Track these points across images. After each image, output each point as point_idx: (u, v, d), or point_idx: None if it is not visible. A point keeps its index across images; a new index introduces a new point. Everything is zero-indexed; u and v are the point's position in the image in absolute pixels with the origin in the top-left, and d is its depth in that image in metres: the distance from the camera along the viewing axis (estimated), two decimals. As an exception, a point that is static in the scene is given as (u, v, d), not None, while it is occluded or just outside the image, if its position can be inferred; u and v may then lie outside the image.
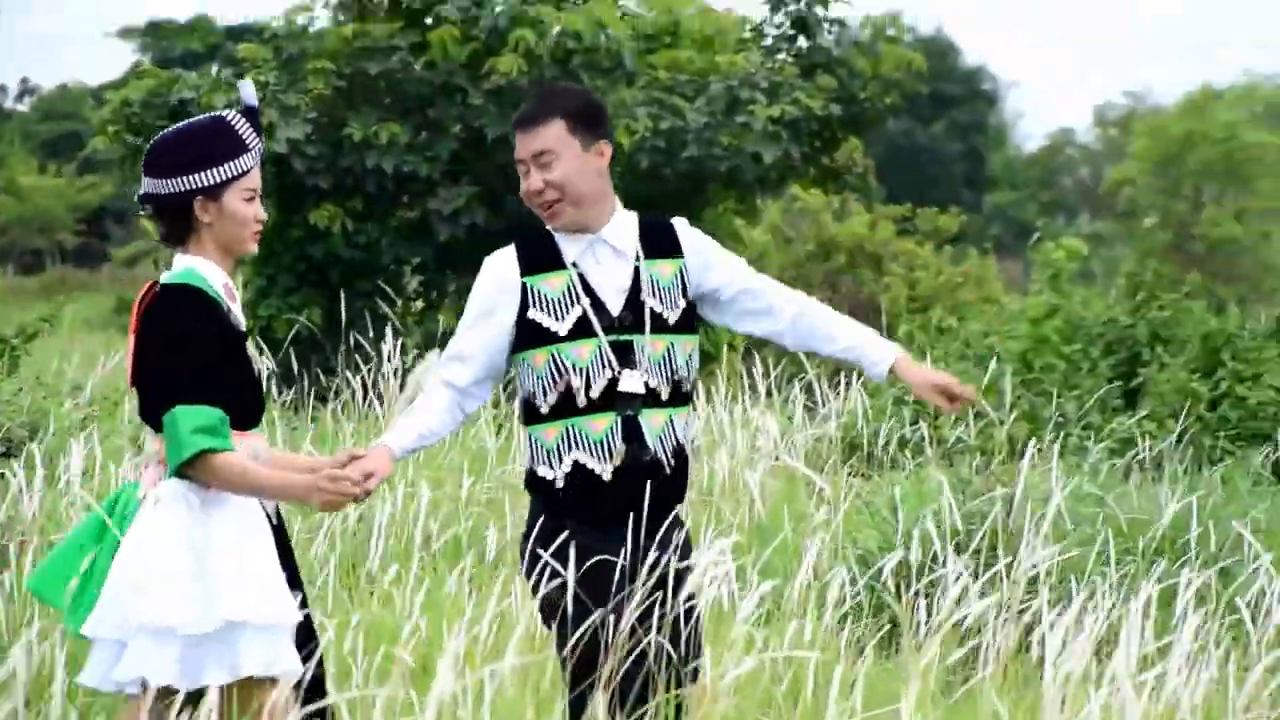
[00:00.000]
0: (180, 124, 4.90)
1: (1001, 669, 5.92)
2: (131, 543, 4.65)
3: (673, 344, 5.17)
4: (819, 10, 16.96)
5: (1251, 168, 40.07)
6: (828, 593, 5.78)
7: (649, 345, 5.12)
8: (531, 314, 5.11)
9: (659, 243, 5.28)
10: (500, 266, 5.16)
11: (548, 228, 5.20)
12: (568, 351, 5.08)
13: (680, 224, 5.35)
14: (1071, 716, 3.79)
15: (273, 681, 4.60)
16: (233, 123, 4.85)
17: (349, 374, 11.59)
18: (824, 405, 11.81)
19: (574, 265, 5.15)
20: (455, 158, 15.71)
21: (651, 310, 5.16)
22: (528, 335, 5.11)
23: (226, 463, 4.64)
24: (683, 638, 4.96)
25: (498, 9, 15.40)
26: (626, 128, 15.66)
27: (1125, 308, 14.12)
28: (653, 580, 4.87)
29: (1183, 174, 41.29)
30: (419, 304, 16.38)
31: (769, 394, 12.23)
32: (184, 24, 58.39)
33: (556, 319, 5.10)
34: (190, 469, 4.64)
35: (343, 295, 14.35)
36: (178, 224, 4.83)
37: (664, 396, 5.13)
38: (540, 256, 5.16)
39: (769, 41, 17.32)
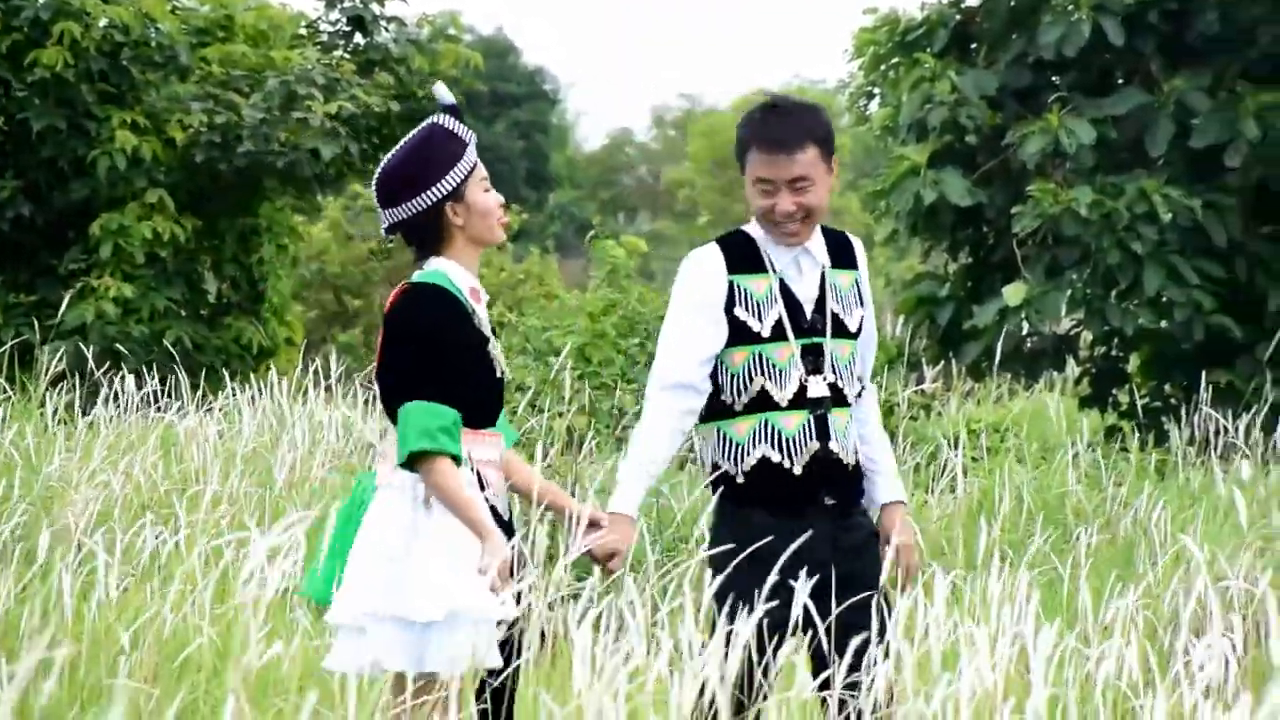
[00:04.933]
0: (398, 149, 5.01)
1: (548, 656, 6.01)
2: (365, 533, 4.80)
3: (854, 349, 5.34)
4: (375, 8, 16.86)
5: (802, 168, 41.26)
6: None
7: (836, 349, 5.25)
8: (737, 311, 5.20)
9: (840, 254, 5.40)
10: (708, 263, 5.25)
11: (746, 230, 5.31)
12: (768, 353, 5.19)
13: (856, 241, 5.48)
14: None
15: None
16: (447, 125, 5.00)
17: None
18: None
19: (778, 272, 5.25)
20: (-3, 150, 15.21)
21: (835, 316, 5.28)
22: (730, 333, 5.19)
23: (444, 470, 4.75)
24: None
25: (39, 0, 14.90)
26: (180, 123, 15.33)
27: (681, 303, 14.33)
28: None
29: (738, 174, 42.30)
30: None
31: (329, 390, 12.11)
32: None
33: (758, 319, 5.20)
34: (419, 466, 4.74)
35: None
36: (430, 236, 4.97)
37: (849, 398, 5.28)
38: (745, 258, 5.26)
39: (325, 38, 17.14)
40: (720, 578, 4.86)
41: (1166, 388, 13.26)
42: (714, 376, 5.22)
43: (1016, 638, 4.43)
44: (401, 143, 5.03)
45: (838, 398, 5.26)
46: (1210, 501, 9.05)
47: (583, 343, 13.33)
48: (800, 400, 5.21)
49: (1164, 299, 12.29)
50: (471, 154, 4.99)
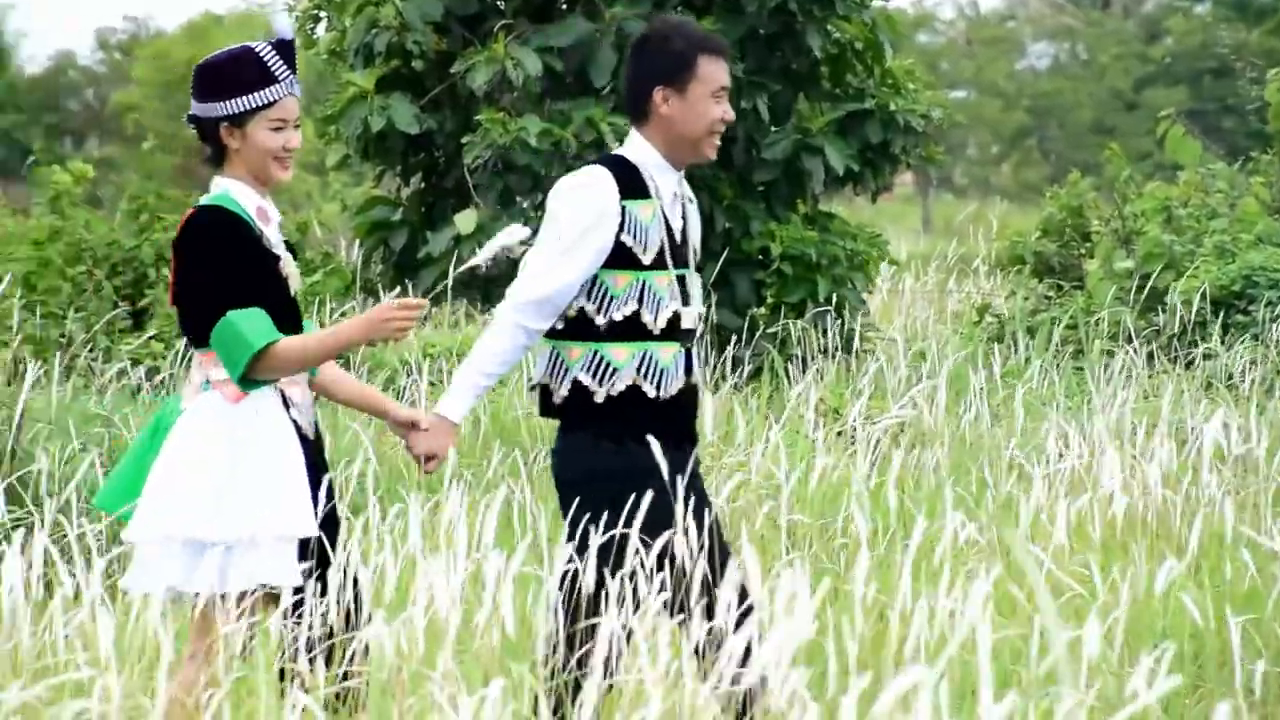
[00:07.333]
0: (220, 51, 5.08)
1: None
2: (166, 455, 4.83)
3: (700, 282, 5.31)
4: None
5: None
6: None
7: (694, 281, 5.27)
8: (624, 237, 5.11)
9: (687, 186, 5.36)
10: (604, 188, 5.11)
11: (626, 156, 5.19)
12: (650, 280, 5.13)
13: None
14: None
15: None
16: (261, 54, 5.01)
17: None
18: None
19: (659, 197, 5.15)
20: None
21: (694, 249, 5.31)
22: (614, 258, 5.11)
23: (288, 346, 4.83)
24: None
25: None
26: None
27: (130, 230, 14.04)
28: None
29: (187, 98, 41.43)
30: None
31: None
32: None
33: (644, 247, 5.13)
34: (259, 368, 4.80)
35: None
36: (214, 147, 5.05)
37: (699, 331, 5.30)
38: (632, 183, 5.14)
39: None
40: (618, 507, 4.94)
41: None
42: (589, 295, 5.15)
43: (476, 560, 4.52)
44: (225, 49, 5.13)
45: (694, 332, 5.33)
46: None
47: (27, 271, 12.94)
48: (673, 331, 5.20)
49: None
50: (276, 91, 4.99)
